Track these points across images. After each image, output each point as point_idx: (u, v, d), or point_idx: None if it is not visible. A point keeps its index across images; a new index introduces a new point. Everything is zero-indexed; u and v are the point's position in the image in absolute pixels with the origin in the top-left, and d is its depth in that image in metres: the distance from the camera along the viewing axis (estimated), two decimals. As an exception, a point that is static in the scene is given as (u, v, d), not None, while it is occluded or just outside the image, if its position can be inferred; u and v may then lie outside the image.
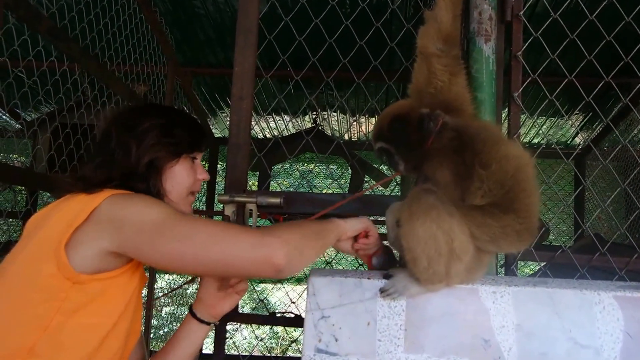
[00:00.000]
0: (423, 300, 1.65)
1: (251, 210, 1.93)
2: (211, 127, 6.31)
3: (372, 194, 2.64)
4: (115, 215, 1.43)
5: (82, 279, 1.41)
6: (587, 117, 6.01)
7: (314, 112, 6.10)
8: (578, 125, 6.15)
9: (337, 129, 6.72)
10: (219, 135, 6.95)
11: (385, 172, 5.93)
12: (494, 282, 1.69)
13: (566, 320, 1.60)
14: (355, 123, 6.46)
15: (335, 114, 6.20)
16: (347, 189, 5.50)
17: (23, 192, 5.87)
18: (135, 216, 1.43)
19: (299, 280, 8.36)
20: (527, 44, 2.05)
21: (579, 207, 4.99)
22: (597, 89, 2.06)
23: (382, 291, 1.66)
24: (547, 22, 2.07)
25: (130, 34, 3.91)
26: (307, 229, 1.55)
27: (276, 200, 1.91)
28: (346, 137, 6.92)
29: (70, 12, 3.26)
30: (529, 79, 2.02)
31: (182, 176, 1.72)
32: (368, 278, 1.69)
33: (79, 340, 1.42)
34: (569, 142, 6.85)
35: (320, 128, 5.48)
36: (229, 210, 1.94)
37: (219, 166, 6.40)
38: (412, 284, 1.64)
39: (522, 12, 2.04)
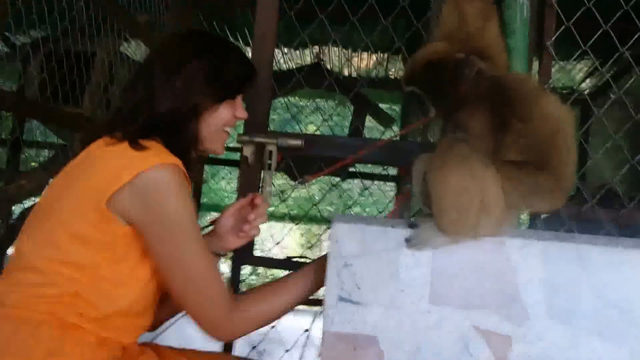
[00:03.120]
0: (449, 252, 1.66)
1: (270, 151, 1.91)
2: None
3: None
4: (152, 202, 1.45)
5: (123, 231, 1.46)
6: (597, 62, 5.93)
7: (315, 47, 5.99)
8: (587, 70, 6.08)
9: (338, 64, 6.61)
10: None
11: (386, 111, 5.90)
12: (522, 236, 1.69)
13: (594, 277, 1.61)
14: (356, 58, 6.35)
15: (336, 49, 6.07)
16: (348, 128, 5.46)
17: (9, 117, 5.77)
18: (168, 217, 1.47)
19: (315, 221, 8.26)
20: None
21: (584, 156, 4.99)
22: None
23: (407, 241, 1.66)
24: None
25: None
26: (282, 301, 1.68)
27: (297, 143, 1.90)
28: (346, 72, 6.81)
29: None
30: (562, 27, 1.97)
31: (220, 116, 1.69)
32: (392, 227, 1.69)
33: (125, 288, 1.51)
34: (575, 87, 6.80)
35: (322, 63, 5.38)
36: (248, 151, 1.93)
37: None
38: (438, 235, 1.64)
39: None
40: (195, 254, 1.51)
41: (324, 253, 1.72)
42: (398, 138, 1.91)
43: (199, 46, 1.66)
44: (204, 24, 5.68)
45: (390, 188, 6.92)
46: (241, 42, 6.08)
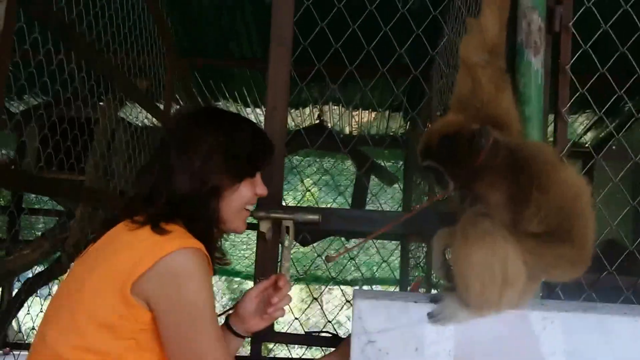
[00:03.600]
0: (472, 326, 1.66)
1: (287, 227, 1.93)
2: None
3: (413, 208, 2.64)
4: (172, 285, 1.47)
5: (147, 317, 1.48)
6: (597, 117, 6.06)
7: (316, 106, 6.10)
8: (588, 124, 6.19)
9: (339, 123, 6.72)
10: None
11: (390, 169, 5.94)
12: (544, 308, 1.70)
13: (617, 349, 1.62)
14: (357, 116, 6.46)
15: (336, 107, 6.19)
16: (353, 188, 5.51)
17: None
18: (187, 301, 1.48)
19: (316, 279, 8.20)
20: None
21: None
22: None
23: (431, 316, 1.67)
24: (598, 34, 2.07)
25: (131, 23, 3.86)
26: None
27: (314, 217, 1.92)
28: (347, 131, 6.91)
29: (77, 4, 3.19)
30: (577, 93, 2.03)
31: (241, 195, 1.70)
32: (415, 302, 1.70)
33: None
34: (576, 140, 6.90)
35: (325, 124, 5.47)
36: (265, 227, 1.94)
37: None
38: (461, 310, 1.65)
39: (571, 23, 2.04)
40: (210, 340, 1.50)
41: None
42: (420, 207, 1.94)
43: (215, 124, 1.68)
44: (201, 83, 5.80)
45: (394, 245, 6.91)
46: (238, 98, 6.19)
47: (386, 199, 6.64)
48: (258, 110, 6.45)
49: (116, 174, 3.98)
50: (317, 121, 5.75)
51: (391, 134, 6.79)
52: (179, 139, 1.64)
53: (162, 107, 4.65)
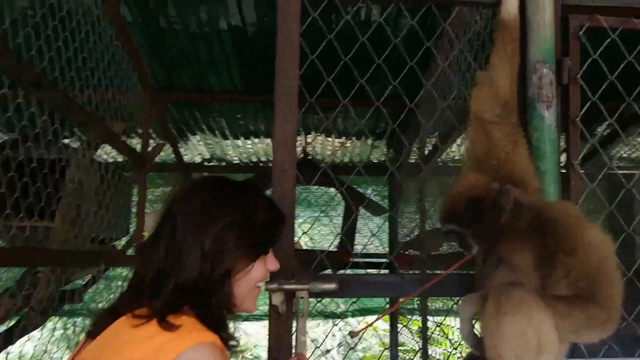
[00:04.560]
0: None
1: (302, 297, 1.89)
2: (181, 152, 6.22)
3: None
4: None
5: None
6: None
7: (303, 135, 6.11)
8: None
9: (321, 154, 6.74)
10: (190, 161, 6.85)
11: (375, 200, 5.97)
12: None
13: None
14: (341, 146, 6.49)
15: (320, 137, 6.20)
16: (342, 221, 5.51)
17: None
18: None
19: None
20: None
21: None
22: None
23: (463, 391, 1.67)
24: (604, 85, 2.11)
25: (105, 64, 3.80)
26: None
27: (331, 286, 1.88)
28: (330, 159, 6.93)
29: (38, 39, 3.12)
30: (587, 145, 2.06)
31: (254, 275, 1.60)
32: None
33: None
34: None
35: (309, 158, 5.48)
36: (278, 300, 1.90)
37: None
38: (495, 382, 1.65)
39: (579, 75, 2.07)
40: None
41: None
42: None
43: (229, 200, 1.57)
44: (177, 117, 5.76)
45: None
46: (217, 131, 6.16)
47: (372, 227, 6.65)
48: (237, 141, 6.43)
49: (86, 222, 3.86)
50: (302, 155, 5.74)
51: (374, 161, 6.82)
52: (189, 216, 1.52)
53: (139, 146, 4.61)
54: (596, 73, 2.12)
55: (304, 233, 5.79)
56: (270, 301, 1.92)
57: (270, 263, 1.65)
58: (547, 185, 1.95)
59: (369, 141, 6.30)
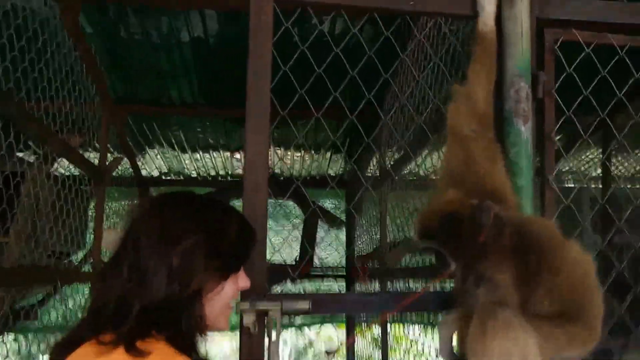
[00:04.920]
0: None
1: (275, 318, 1.77)
2: (140, 166, 6.01)
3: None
4: None
5: None
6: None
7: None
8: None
9: (279, 167, 6.62)
10: (147, 174, 6.63)
11: (336, 213, 5.89)
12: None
13: None
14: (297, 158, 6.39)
15: (279, 150, 6.09)
16: (302, 231, 5.40)
17: None
18: None
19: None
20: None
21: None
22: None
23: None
24: (579, 100, 2.06)
25: (63, 75, 3.61)
26: None
27: (304, 307, 1.76)
28: (278, 170, 6.81)
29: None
30: (561, 158, 2.00)
31: (226, 294, 1.48)
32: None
33: None
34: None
35: (274, 173, 5.36)
36: (249, 320, 1.76)
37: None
38: (477, 404, 1.56)
39: (554, 89, 2.01)
40: None
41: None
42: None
43: (196, 216, 1.45)
44: (135, 131, 5.58)
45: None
46: (175, 145, 5.99)
47: (331, 239, 6.55)
48: (196, 154, 6.25)
49: (42, 237, 3.65)
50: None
51: (331, 174, 6.75)
52: (152, 235, 1.38)
53: (97, 159, 4.41)
54: (569, 87, 2.07)
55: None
56: (240, 321, 1.78)
57: (242, 280, 1.53)
58: (523, 201, 1.88)
59: (327, 155, 6.21)
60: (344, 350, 6.03)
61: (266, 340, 1.78)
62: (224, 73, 4.52)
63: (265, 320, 1.79)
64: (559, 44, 2.06)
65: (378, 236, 4.69)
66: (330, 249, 6.65)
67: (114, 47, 4.31)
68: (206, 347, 1.49)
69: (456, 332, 1.69)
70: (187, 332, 1.38)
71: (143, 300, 1.32)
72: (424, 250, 1.76)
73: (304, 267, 4.94)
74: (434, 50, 2.80)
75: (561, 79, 2.04)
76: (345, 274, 5.97)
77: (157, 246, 1.36)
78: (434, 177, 3.57)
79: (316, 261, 5.71)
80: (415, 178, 4.23)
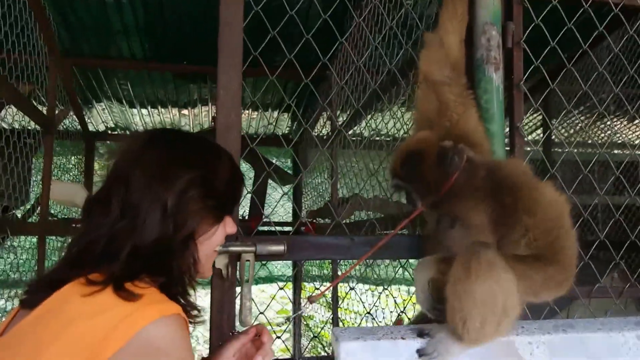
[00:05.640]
0: (462, 357, 1.54)
1: (248, 260, 1.66)
2: (86, 120, 5.71)
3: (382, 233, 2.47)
4: None
5: None
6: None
7: (205, 106, 5.78)
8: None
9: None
10: (94, 129, 6.31)
11: (287, 170, 5.78)
12: (528, 332, 1.64)
13: (597, 361, 1.60)
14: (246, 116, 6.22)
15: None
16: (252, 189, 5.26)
17: None
18: None
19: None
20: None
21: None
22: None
23: (422, 354, 1.52)
24: (546, 51, 2.01)
25: (11, 20, 3.33)
26: None
27: (279, 248, 1.67)
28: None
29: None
30: (532, 108, 1.96)
31: (217, 238, 1.39)
32: (402, 338, 1.55)
33: None
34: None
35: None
36: (222, 263, 1.66)
37: (96, 165, 5.82)
38: (454, 344, 1.52)
39: (522, 39, 1.96)
40: None
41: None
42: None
43: (185, 153, 1.33)
44: (83, 84, 5.29)
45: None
46: (124, 99, 5.72)
47: (277, 197, 6.46)
48: (143, 110, 5.99)
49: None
50: (213, 123, 5.43)
51: (277, 133, 6.62)
52: (146, 173, 1.26)
53: (44, 110, 4.13)
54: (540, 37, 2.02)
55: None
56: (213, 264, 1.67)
57: (229, 225, 1.43)
58: (495, 147, 1.84)
59: (275, 113, 6.07)
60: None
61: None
62: (175, 29, 4.32)
63: (238, 264, 1.70)
64: (526, -5, 2.01)
65: (328, 192, 4.63)
66: (278, 205, 6.56)
67: (63, 1, 4.01)
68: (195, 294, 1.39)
69: (432, 277, 1.63)
70: (178, 276, 1.28)
71: (134, 240, 1.22)
72: (394, 188, 1.70)
73: (253, 222, 4.81)
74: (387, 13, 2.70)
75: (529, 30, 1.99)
76: (292, 229, 5.90)
77: (152, 183, 1.26)
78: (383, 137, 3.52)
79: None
80: (365, 137, 4.17)
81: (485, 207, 1.60)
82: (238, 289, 1.72)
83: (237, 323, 1.71)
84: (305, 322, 5.70)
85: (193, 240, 1.30)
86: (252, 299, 1.68)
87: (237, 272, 1.70)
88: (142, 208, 1.24)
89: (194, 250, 1.31)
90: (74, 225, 4.96)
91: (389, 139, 3.51)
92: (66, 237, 5.44)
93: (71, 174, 5.57)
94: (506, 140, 1.94)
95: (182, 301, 1.27)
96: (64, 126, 4.89)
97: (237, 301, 1.71)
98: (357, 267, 3.91)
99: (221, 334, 1.69)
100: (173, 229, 1.25)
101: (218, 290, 1.71)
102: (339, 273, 4.30)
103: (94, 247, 1.23)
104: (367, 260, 2.04)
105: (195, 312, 1.31)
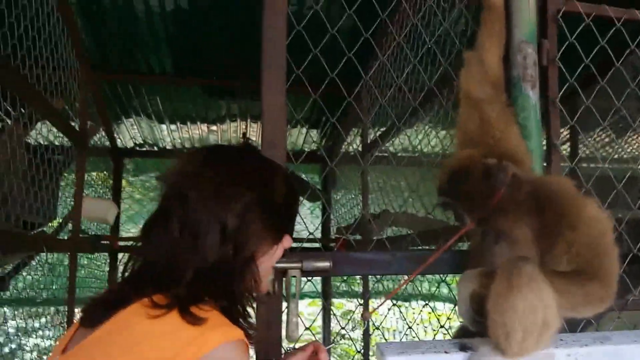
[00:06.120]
0: (504, 371, 1.62)
1: (294, 276, 1.75)
2: (115, 136, 5.89)
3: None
4: None
5: None
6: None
7: (234, 121, 5.91)
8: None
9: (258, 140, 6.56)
10: (122, 146, 6.50)
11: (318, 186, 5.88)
12: (566, 344, 1.70)
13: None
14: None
15: (255, 124, 6.04)
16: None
17: None
18: None
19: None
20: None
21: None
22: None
23: (464, 366, 1.60)
24: (580, 68, 2.10)
25: (46, 36, 3.50)
26: None
27: (325, 264, 1.75)
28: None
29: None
30: (568, 126, 2.05)
31: (276, 257, 1.43)
32: (446, 352, 1.62)
33: None
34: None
35: (250, 142, 5.31)
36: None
37: (123, 182, 5.98)
38: (496, 357, 1.59)
39: (557, 57, 2.05)
40: None
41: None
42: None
43: (244, 172, 1.36)
44: (112, 99, 5.45)
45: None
46: (153, 115, 5.87)
47: (305, 213, 6.56)
48: (172, 126, 6.16)
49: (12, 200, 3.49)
50: (242, 139, 5.57)
51: (307, 149, 6.72)
52: (205, 192, 1.28)
53: (77, 126, 4.30)
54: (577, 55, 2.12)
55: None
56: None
57: (287, 241, 1.45)
58: (533, 164, 1.92)
59: (304, 130, 6.19)
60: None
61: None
62: (204, 43, 4.46)
63: (284, 280, 1.79)
64: (561, 14, 2.11)
65: (359, 208, 4.72)
66: (306, 221, 6.64)
67: (94, 13, 4.18)
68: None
69: (474, 290, 1.70)
70: (240, 298, 1.32)
71: (196, 261, 1.25)
72: (442, 206, 1.78)
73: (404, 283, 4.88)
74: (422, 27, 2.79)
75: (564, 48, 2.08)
76: (320, 245, 5.99)
77: (210, 204, 1.28)
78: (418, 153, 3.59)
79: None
80: (398, 153, 4.26)
81: (529, 222, 1.67)
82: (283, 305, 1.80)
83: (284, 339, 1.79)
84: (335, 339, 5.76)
85: (254, 261, 1.33)
86: (299, 315, 1.77)
87: (284, 288, 1.79)
88: (201, 229, 1.26)
89: (255, 272, 1.34)
90: (103, 242, 5.10)
91: (418, 154, 3.60)
92: (96, 254, 5.60)
93: (100, 190, 5.73)
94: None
95: (243, 323, 1.31)
96: (93, 142, 5.06)
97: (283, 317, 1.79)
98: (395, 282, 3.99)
99: (268, 351, 1.75)
100: (233, 251, 1.28)
101: (264, 307, 1.77)
102: (370, 288, 4.37)
103: (154, 268, 1.26)
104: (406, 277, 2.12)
105: (254, 333, 1.33)
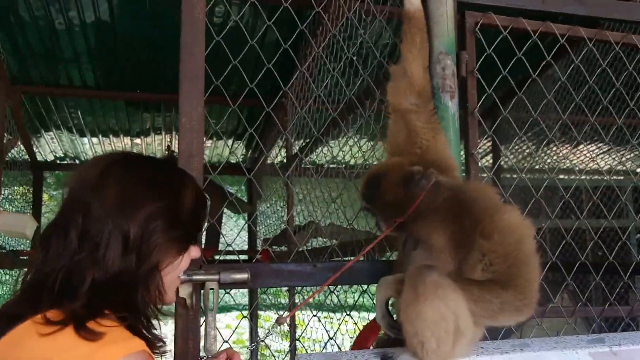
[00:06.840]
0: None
1: (212, 289, 1.66)
2: (34, 149, 5.59)
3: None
4: None
5: None
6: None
7: (158, 134, 5.73)
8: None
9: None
10: (42, 159, 6.17)
11: (243, 199, 5.77)
12: (487, 352, 1.67)
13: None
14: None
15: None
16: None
17: None
18: None
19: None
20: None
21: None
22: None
23: (386, 377, 1.54)
24: (498, 79, 2.11)
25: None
26: None
27: (243, 276, 1.67)
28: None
29: None
30: (486, 136, 2.04)
31: (181, 267, 1.36)
32: (366, 361, 1.56)
33: None
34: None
35: (174, 154, 5.15)
36: (185, 292, 1.64)
37: (44, 195, 5.68)
38: (416, 365, 1.54)
39: (475, 68, 2.05)
40: None
41: None
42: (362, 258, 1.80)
43: (147, 181, 1.28)
44: (31, 113, 5.18)
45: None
46: (73, 128, 5.62)
47: (232, 226, 6.43)
48: (94, 139, 5.91)
49: None
50: (167, 152, 5.39)
51: (232, 161, 6.61)
52: (106, 202, 1.20)
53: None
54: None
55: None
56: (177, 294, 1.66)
57: (194, 251, 1.39)
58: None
59: (229, 142, 6.07)
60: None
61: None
62: (127, 56, 4.30)
63: (202, 292, 1.70)
64: (478, 26, 2.11)
65: (284, 220, 4.64)
66: (232, 233, 6.53)
67: (13, 25, 3.95)
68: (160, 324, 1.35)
69: (389, 296, 1.65)
70: (142, 309, 1.24)
71: (94, 273, 1.17)
72: (364, 210, 1.74)
73: (208, 253, 4.77)
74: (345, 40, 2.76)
75: (481, 59, 2.08)
76: (247, 257, 5.88)
77: (112, 213, 1.20)
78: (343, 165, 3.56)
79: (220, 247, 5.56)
80: (321, 164, 4.21)
81: (447, 229, 1.64)
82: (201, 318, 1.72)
83: (202, 352, 1.70)
84: (261, 352, 5.64)
85: (158, 272, 1.27)
86: (217, 328, 1.68)
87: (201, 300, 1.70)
88: (102, 240, 1.19)
89: (159, 282, 1.27)
90: (22, 257, 4.82)
91: (343, 166, 3.56)
92: (15, 269, 5.29)
93: (18, 204, 5.42)
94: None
95: (147, 334, 1.23)
96: (11, 156, 4.78)
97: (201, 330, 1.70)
98: (321, 294, 3.92)
99: (186, 364, 1.68)
100: (136, 262, 1.21)
101: (182, 320, 1.70)
102: (296, 300, 4.29)
103: (51, 281, 1.17)
104: (330, 287, 2.06)
105: (160, 344, 1.26)
